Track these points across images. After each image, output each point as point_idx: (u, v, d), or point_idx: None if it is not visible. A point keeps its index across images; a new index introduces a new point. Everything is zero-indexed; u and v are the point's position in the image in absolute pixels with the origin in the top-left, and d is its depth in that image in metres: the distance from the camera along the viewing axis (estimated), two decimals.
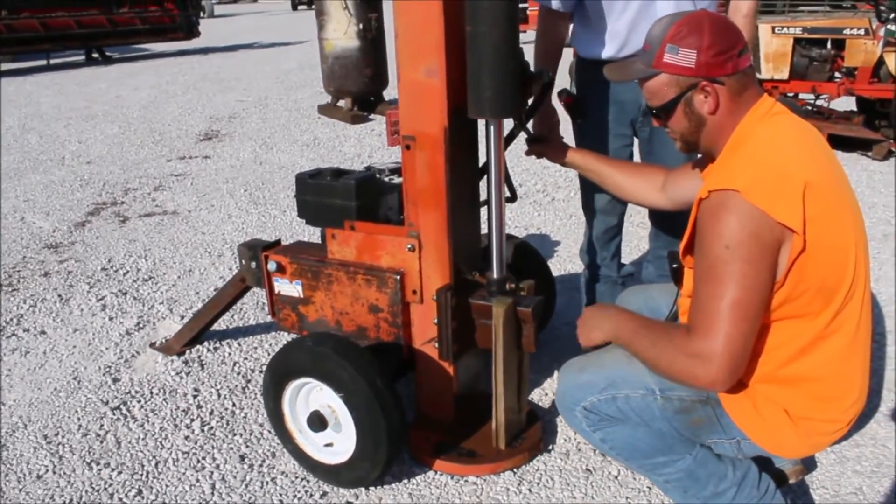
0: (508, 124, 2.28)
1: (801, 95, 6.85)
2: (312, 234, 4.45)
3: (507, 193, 2.40)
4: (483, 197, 2.38)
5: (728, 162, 1.77)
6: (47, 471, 2.55)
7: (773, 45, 6.60)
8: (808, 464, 2.36)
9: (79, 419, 2.85)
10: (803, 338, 1.75)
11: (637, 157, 2.77)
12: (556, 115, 2.58)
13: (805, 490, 2.30)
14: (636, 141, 2.73)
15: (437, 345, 2.35)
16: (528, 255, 2.98)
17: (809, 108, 6.72)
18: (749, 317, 1.64)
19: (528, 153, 2.57)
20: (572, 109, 2.56)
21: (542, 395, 2.90)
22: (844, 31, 6.40)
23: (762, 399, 1.79)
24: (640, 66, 1.86)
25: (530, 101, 2.36)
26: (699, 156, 2.11)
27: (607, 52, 2.52)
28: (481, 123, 2.21)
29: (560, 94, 2.53)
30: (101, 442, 2.70)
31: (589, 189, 2.80)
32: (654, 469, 1.93)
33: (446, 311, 2.29)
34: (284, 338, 3.35)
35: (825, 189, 1.68)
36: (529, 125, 2.50)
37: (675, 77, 1.79)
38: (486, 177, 2.30)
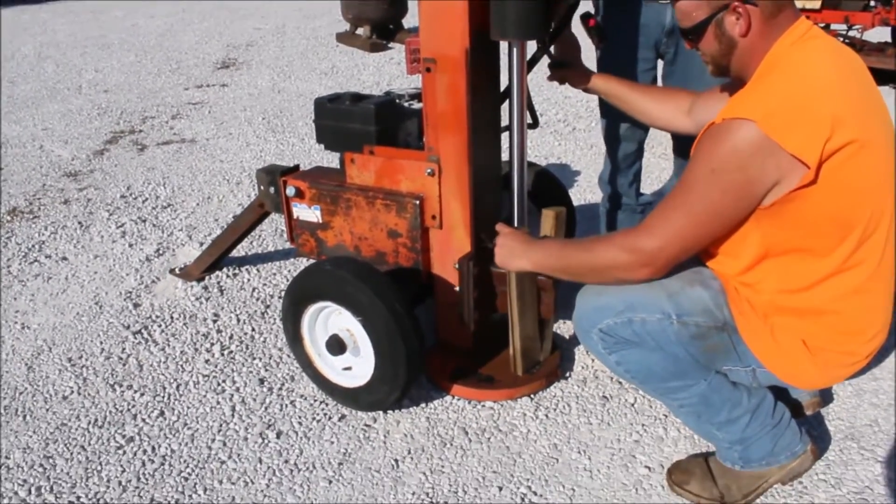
0: (531, 49, 2.22)
1: (833, 27, 6.64)
2: (330, 162, 4.43)
3: (529, 119, 2.36)
4: (504, 122, 2.34)
5: (755, 89, 1.71)
6: (72, 392, 2.59)
7: None
8: (825, 396, 2.35)
9: (101, 343, 2.88)
10: (820, 271, 1.72)
11: (660, 83, 2.71)
12: (578, 41, 2.52)
13: (820, 421, 2.30)
14: (660, 64, 2.66)
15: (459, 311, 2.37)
16: (549, 183, 2.94)
17: (841, 38, 6.52)
18: (696, 240, 1.73)
19: (550, 78, 2.51)
20: (595, 33, 2.49)
21: (559, 324, 2.89)
22: None
23: (780, 329, 1.77)
24: None
25: (553, 25, 2.30)
26: (726, 81, 2.05)
27: None
28: (504, 47, 2.16)
29: (583, 17, 2.46)
30: (124, 365, 2.74)
31: (609, 115, 2.75)
32: (668, 393, 1.93)
33: (468, 279, 2.28)
34: (303, 264, 3.33)
35: (856, 121, 1.62)
36: (552, 50, 2.45)
37: None
38: (507, 102, 2.26)
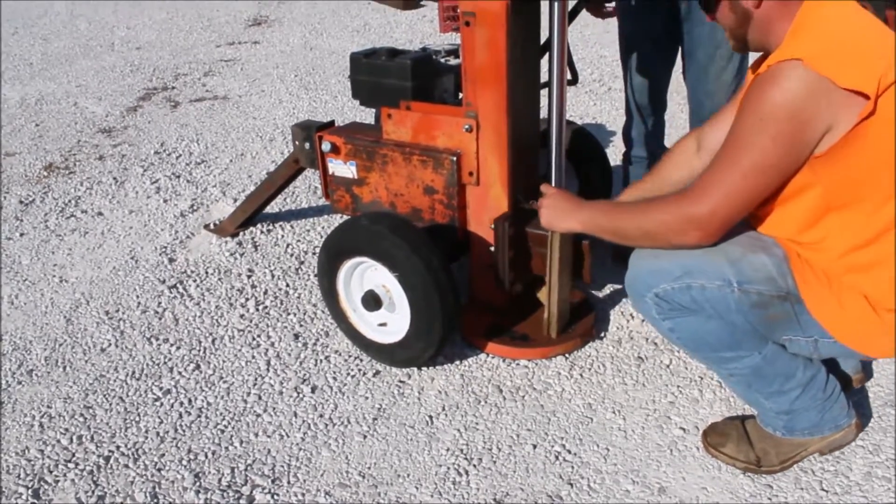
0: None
1: None
2: (363, 119, 4.41)
3: (569, 76, 2.31)
4: (543, 78, 2.30)
5: (795, 38, 1.65)
6: (110, 344, 2.62)
7: None
8: (867, 370, 2.31)
9: (137, 297, 2.91)
10: (882, 220, 1.66)
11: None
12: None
13: (865, 395, 2.26)
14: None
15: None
16: (587, 141, 2.90)
17: None
18: (750, 196, 1.65)
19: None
20: None
21: (595, 284, 2.87)
22: None
23: (847, 294, 1.71)
24: None
25: None
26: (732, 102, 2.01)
27: None
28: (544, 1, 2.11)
29: None
30: (160, 319, 2.77)
31: (630, 66, 2.74)
32: (719, 362, 1.89)
33: (504, 240, 2.25)
34: (337, 220, 3.35)
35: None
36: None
37: None
38: (547, 56, 2.22)
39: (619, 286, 2.85)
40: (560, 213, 2.02)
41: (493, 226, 2.29)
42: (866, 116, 1.54)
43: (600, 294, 2.81)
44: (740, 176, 1.64)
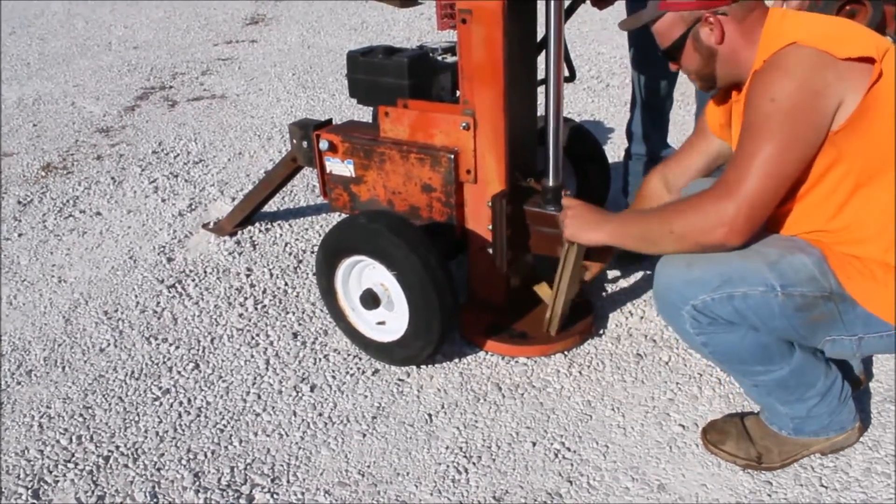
0: None
1: None
2: (361, 118, 4.40)
3: (566, 73, 2.31)
4: (540, 75, 2.30)
5: (772, 43, 1.67)
6: (109, 344, 2.62)
7: None
8: (868, 373, 2.29)
9: (136, 296, 2.91)
10: None
11: None
12: None
13: (865, 392, 2.25)
14: None
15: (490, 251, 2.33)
16: (584, 138, 2.89)
17: None
18: (780, 175, 1.61)
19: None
20: None
21: (592, 283, 2.87)
22: None
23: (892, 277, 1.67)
24: (648, 10, 1.86)
25: None
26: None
27: None
28: None
29: None
30: (159, 318, 2.76)
31: (638, 61, 2.74)
32: (747, 374, 1.87)
33: (501, 218, 2.25)
34: (335, 219, 3.33)
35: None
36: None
37: (680, 14, 1.79)
38: (544, 53, 2.21)
39: (618, 283, 2.85)
40: (585, 225, 1.97)
41: (490, 203, 2.28)
42: (875, 81, 1.54)
43: (599, 291, 2.81)
44: (765, 162, 1.60)
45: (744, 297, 1.69)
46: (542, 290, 2.39)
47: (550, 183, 2.26)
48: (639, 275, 2.89)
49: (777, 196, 1.65)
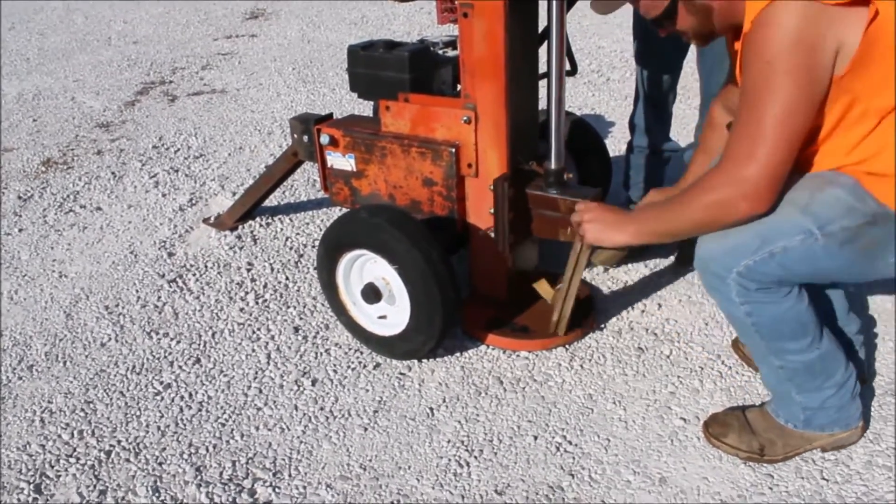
0: None
1: None
2: (362, 112, 4.40)
3: (568, 66, 2.30)
4: (542, 69, 2.29)
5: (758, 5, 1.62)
6: (110, 339, 2.62)
7: None
8: (869, 372, 2.29)
9: (137, 291, 2.91)
10: None
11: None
12: None
13: (866, 386, 2.25)
14: None
15: (492, 234, 2.33)
16: (586, 132, 2.89)
17: None
18: (791, 133, 1.56)
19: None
20: None
21: (594, 275, 2.87)
22: None
23: None
24: None
25: None
26: None
27: None
28: None
29: None
30: (160, 313, 2.76)
31: (642, 54, 2.75)
32: (779, 353, 1.84)
33: (503, 201, 2.24)
34: (336, 214, 3.34)
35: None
36: None
37: None
38: (545, 47, 2.21)
39: (619, 277, 2.85)
40: (607, 229, 1.92)
41: (491, 186, 2.27)
42: (872, 19, 1.51)
43: (600, 285, 2.81)
44: (771, 125, 1.56)
45: (784, 251, 1.65)
46: (542, 287, 2.38)
47: (553, 166, 2.25)
48: (640, 268, 2.89)
49: (792, 154, 1.59)
